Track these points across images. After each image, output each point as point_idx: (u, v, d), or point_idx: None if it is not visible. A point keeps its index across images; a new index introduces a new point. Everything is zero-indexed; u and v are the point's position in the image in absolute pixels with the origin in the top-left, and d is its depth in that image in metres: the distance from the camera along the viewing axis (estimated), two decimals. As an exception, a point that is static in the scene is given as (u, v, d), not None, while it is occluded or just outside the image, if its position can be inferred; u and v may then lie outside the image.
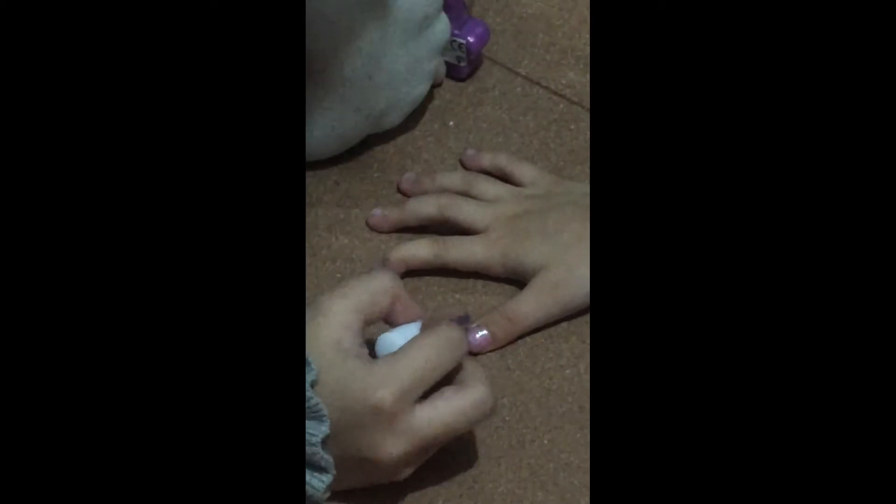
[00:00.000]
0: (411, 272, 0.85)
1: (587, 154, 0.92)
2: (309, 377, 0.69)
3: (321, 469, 0.69)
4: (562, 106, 0.95)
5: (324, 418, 0.68)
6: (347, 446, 0.70)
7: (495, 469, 0.76)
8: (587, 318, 0.83)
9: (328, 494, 0.70)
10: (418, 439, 0.71)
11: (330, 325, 0.71)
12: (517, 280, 0.84)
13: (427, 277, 0.85)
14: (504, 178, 0.90)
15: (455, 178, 0.89)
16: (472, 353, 0.81)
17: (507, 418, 0.78)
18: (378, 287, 0.74)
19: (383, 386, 0.69)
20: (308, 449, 0.68)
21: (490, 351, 0.82)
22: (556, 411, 0.79)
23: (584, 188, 0.87)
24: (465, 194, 0.88)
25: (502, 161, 0.90)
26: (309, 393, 0.68)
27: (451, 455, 0.77)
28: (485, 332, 0.81)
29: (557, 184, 0.88)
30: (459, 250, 0.85)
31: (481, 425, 0.77)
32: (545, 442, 0.77)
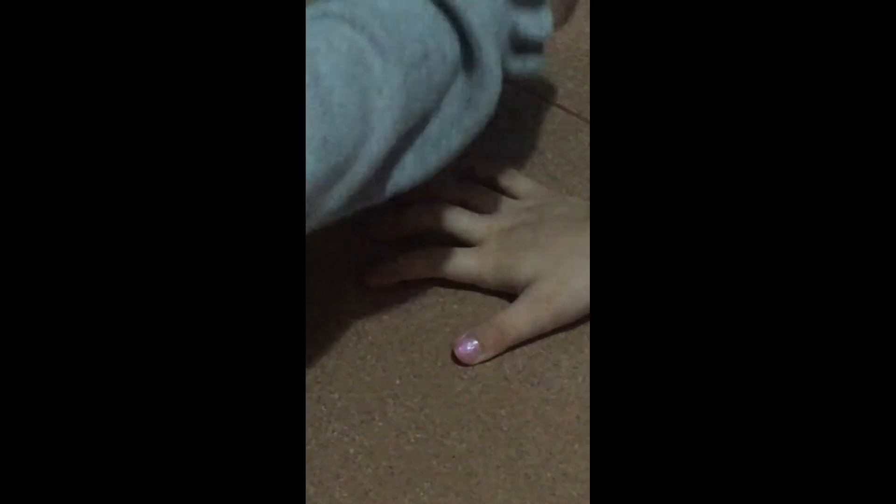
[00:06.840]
0: (409, 283, 0.85)
1: (585, 165, 0.92)
2: None
3: None
4: (560, 117, 0.95)
5: None
6: None
7: (493, 479, 0.76)
8: (584, 328, 0.83)
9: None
10: None
11: None
12: (511, 293, 0.84)
13: (426, 288, 0.85)
14: (500, 190, 0.90)
15: (452, 189, 0.89)
16: (463, 364, 0.82)
17: (505, 428, 0.79)
18: None
19: None
20: None
21: (481, 362, 0.82)
22: (553, 421, 0.79)
23: (577, 200, 0.88)
24: (462, 205, 0.88)
25: (499, 173, 0.91)
26: None
27: (448, 464, 0.77)
28: (475, 342, 0.82)
29: (551, 196, 0.89)
30: (453, 263, 0.85)
31: (479, 437, 0.77)
32: (542, 452, 0.78)
